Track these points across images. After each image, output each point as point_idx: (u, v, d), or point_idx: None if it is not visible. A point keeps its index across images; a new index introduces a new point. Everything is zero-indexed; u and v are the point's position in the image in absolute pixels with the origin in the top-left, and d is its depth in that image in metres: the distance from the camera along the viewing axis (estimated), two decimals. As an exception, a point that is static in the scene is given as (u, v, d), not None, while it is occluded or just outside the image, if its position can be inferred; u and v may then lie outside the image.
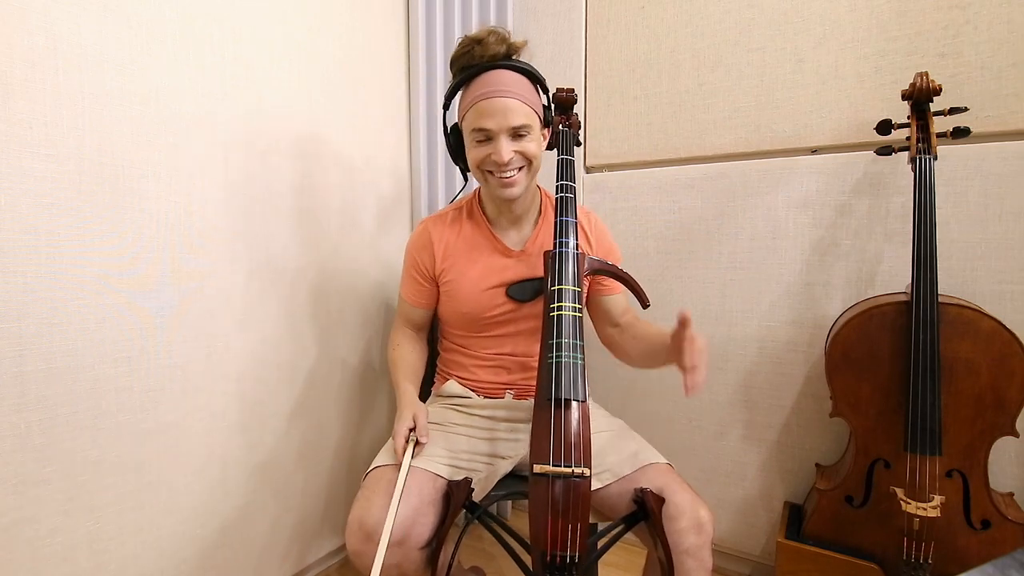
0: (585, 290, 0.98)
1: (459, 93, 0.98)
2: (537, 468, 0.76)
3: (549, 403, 0.80)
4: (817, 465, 1.25)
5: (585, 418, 0.79)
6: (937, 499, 0.97)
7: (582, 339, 0.84)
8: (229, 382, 1.13)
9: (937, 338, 0.96)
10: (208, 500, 1.11)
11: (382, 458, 0.93)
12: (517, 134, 0.92)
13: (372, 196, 1.46)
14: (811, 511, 1.13)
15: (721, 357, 1.39)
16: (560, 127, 1.03)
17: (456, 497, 0.84)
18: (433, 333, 1.20)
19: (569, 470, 0.76)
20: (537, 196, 1.07)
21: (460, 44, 0.94)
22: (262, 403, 1.20)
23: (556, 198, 0.94)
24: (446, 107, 1.02)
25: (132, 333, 0.97)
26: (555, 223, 0.92)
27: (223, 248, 1.11)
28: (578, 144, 1.05)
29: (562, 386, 0.80)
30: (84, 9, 0.88)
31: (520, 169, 0.94)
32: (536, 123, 0.95)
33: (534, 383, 1.04)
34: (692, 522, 0.83)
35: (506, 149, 0.91)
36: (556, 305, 0.85)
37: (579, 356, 0.82)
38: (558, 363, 0.81)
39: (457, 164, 1.05)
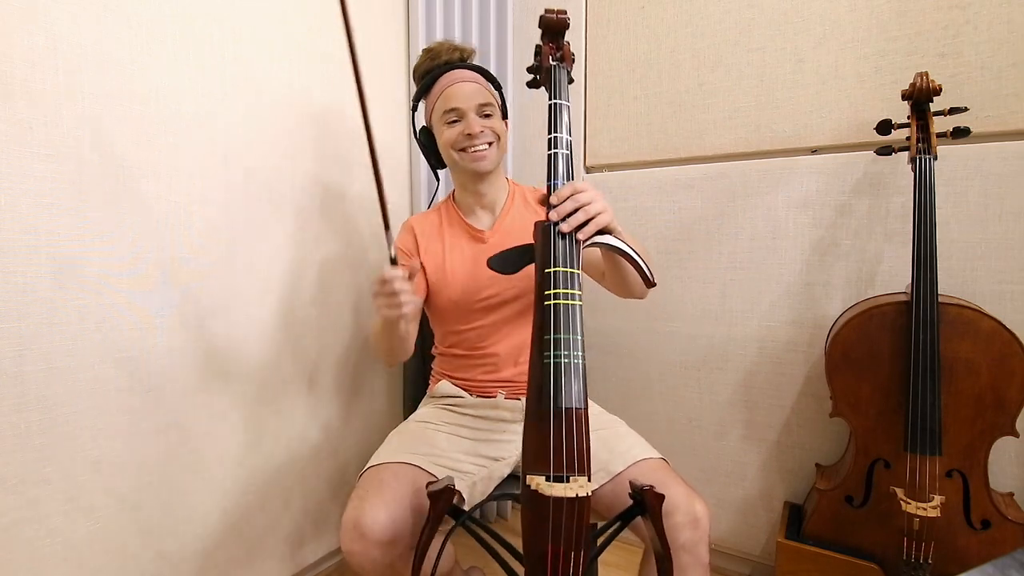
0: (580, 269, 0.84)
1: (423, 100, 1.10)
2: (531, 483, 0.67)
3: (546, 412, 0.69)
4: (817, 465, 1.25)
5: (586, 427, 0.70)
6: (937, 499, 0.97)
7: (582, 333, 0.72)
8: (229, 382, 1.13)
9: (937, 338, 0.96)
10: (208, 500, 1.11)
11: (376, 458, 0.93)
12: (483, 112, 1.03)
13: (373, 195, 1.46)
14: (811, 511, 1.13)
15: (721, 357, 1.39)
16: (550, 60, 0.86)
17: (437, 507, 0.74)
18: (426, 343, 1.20)
19: (573, 494, 0.66)
20: (506, 185, 1.14)
21: (419, 57, 1.08)
22: (262, 403, 1.20)
23: (548, 155, 0.79)
24: (414, 109, 1.15)
25: (132, 333, 0.97)
26: (547, 188, 0.78)
27: (223, 248, 1.10)
28: (571, 81, 0.89)
29: (561, 393, 0.68)
30: (84, 9, 0.88)
31: (490, 144, 1.03)
32: (497, 107, 1.06)
33: (526, 380, 1.00)
34: (687, 517, 0.82)
35: (476, 122, 1.01)
36: (551, 292, 0.72)
37: (579, 354, 0.71)
38: (556, 364, 0.70)
39: (429, 162, 1.15)
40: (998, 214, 1.09)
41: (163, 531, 1.04)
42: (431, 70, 1.06)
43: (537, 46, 0.89)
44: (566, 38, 0.89)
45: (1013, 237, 1.08)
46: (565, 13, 0.87)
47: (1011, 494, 1.07)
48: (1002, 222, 1.09)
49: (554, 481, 0.66)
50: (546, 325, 0.71)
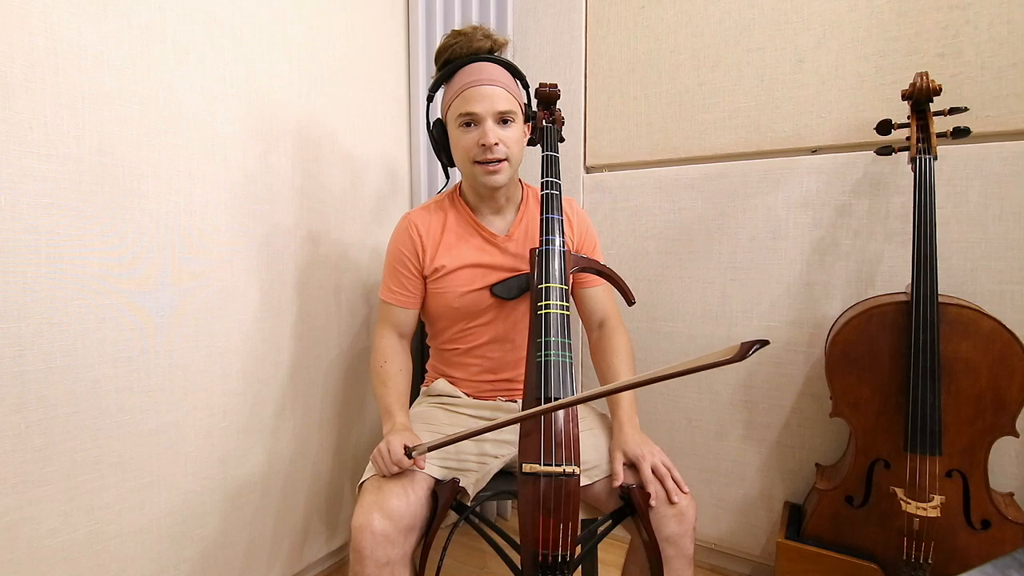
0: (569, 286, 0.99)
1: (442, 87, 1.01)
2: (527, 467, 0.77)
3: (538, 402, 0.80)
4: (817, 465, 1.25)
5: (574, 417, 0.80)
6: (937, 499, 0.97)
7: (570, 337, 0.85)
8: (229, 382, 1.13)
9: (937, 338, 0.96)
10: (208, 500, 1.11)
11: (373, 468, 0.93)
12: (502, 120, 0.94)
13: (373, 195, 1.46)
14: (811, 511, 1.13)
15: (721, 357, 1.38)
16: (544, 123, 1.06)
17: (443, 498, 0.84)
18: (421, 339, 1.20)
19: (560, 469, 0.76)
20: (519, 187, 1.09)
21: (446, 37, 0.98)
22: (262, 403, 1.20)
23: (541, 195, 0.96)
24: (430, 99, 1.05)
25: (132, 333, 0.97)
26: (541, 220, 0.94)
27: (223, 248, 1.10)
28: (561, 140, 1.09)
29: (551, 385, 0.81)
30: (84, 9, 0.88)
31: (505, 159, 0.96)
32: (519, 113, 0.98)
33: (522, 382, 1.05)
34: (673, 510, 0.84)
35: (493, 132, 0.93)
36: (543, 303, 0.86)
37: (567, 354, 0.83)
38: (547, 362, 0.82)
39: (439, 158, 1.07)
40: (998, 214, 1.09)
41: (163, 531, 1.04)
42: (454, 59, 0.96)
43: (533, 112, 1.06)
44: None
45: (1013, 237, 1.08)
46: (556, 86, 1.07)
47: (1011, 494, 1.07)
48: (1002, 222, 1.09)
49: (546, 465, 0.77)
50: (539, 330, 0.84)
